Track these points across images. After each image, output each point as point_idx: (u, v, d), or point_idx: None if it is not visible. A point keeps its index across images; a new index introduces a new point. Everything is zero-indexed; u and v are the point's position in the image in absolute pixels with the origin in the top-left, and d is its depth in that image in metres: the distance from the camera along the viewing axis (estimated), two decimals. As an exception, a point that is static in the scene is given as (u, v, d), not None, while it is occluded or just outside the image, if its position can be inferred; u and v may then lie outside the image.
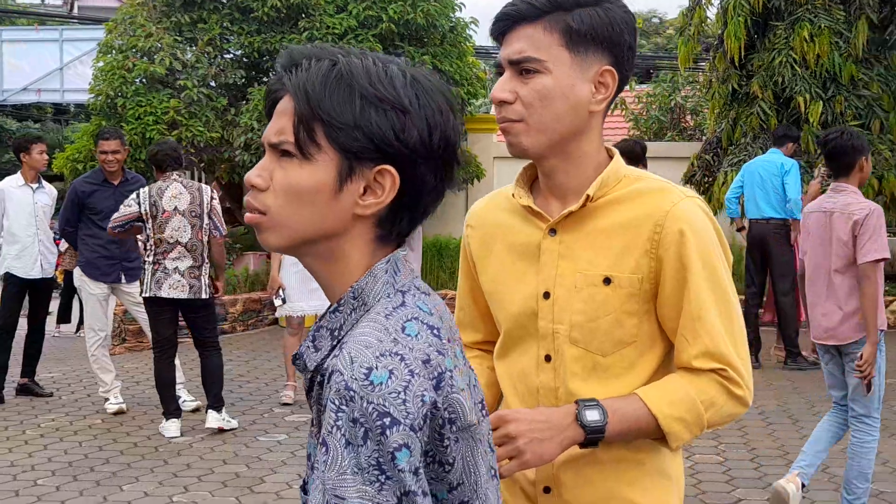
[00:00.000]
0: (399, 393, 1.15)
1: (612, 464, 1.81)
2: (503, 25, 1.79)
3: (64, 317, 12.33)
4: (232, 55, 12.50)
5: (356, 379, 1.15)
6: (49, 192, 8.27)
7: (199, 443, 6.70)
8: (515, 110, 1.75)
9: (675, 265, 1.75)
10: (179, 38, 11.94)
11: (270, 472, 5.97)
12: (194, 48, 11.94)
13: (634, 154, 7.72)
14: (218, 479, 5.82)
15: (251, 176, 1.28)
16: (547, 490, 1.85)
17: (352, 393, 1.14)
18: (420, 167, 1.26)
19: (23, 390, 8.23)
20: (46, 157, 8.17)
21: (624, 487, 1.82)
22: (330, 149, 1.24)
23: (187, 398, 7.59)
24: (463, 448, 1.23)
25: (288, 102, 1.26)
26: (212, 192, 7.00)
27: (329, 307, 1.30)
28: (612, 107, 1.96)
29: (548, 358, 1.83)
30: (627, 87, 16.50)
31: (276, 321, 11.04)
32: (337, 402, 1.15)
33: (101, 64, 11.99)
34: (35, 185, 8.12)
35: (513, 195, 1.89)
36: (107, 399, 7.63)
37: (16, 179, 8.10)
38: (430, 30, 12.32)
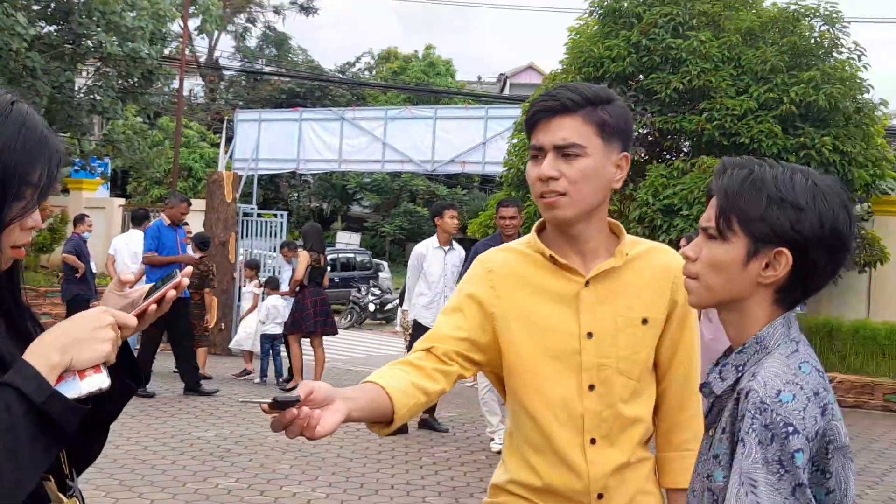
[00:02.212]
0: (800, 411, 1.51)
1: (637, 464, 2.24)
2: (544, 115, 2.15)
3: None
4: (635, 133, 13.19)
5: (769, 396, 1.52)
6: (458, 254, 9.39)
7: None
8: (562, 185, 2.13)
9: (683, 306, 2.22)
10: (586, 118, 12.83)
11: None
12: (599, 127, 12.76)
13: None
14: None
15: (687, 250, 1.72)
16: (600, 496, 2.21)
17: (765, 406, 1.51)
18: (811, 252, 1.60)
19: (424, 424, 9.36)
20: (457, 221, 9.29)
21: (644, 482, 2.26)
22: (741, 234, 1.63)
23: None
24: (836, 463, 1.56)
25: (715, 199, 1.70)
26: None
27: (734, 349, 1.69)
28: None
29: (591, 387, 2.19)
30: None
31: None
32: (752, 412, 1.52)
33: (515, 140, 13.22)
34: (447, 248, 9.27)
35: (538, 253, 2.23)
36: (492, 439, 8.51)
37: (432, 241, 9.32)
38: (833, 111, 12.19)
